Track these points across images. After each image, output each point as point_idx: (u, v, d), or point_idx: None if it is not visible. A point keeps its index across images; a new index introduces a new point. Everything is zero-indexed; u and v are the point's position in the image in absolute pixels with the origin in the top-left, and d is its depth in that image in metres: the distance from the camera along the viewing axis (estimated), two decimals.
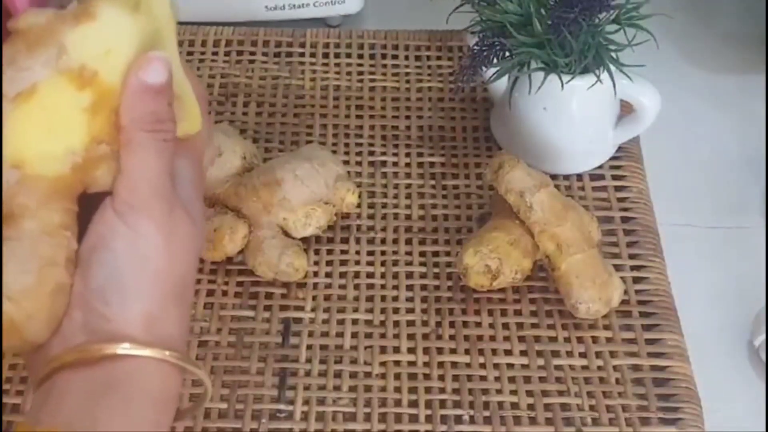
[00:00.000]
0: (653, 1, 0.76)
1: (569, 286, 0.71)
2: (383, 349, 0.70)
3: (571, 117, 0.78)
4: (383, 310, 0.73)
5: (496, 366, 0.69)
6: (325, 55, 0.91)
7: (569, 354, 0.70)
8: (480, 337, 0.71)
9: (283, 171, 0.74)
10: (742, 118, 0.97)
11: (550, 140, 0.79)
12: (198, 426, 0.66)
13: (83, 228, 0.47)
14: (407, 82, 0.89)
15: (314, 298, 0.73)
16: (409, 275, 0.75)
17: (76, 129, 0.47)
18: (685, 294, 0.75)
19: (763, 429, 0.75)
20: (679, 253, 0.80)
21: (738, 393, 0.77)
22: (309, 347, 0.70)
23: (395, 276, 0.75)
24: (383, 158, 0.83)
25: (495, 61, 0.75)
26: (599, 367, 0.70)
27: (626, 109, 0.81)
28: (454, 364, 0.70)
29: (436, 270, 0.75)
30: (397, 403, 0.67)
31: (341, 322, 0.72)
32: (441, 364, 0.69)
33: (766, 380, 0.78)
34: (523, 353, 0.70)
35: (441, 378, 0.69)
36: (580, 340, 0.71)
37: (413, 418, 0.67)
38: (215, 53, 0.91)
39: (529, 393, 0.68)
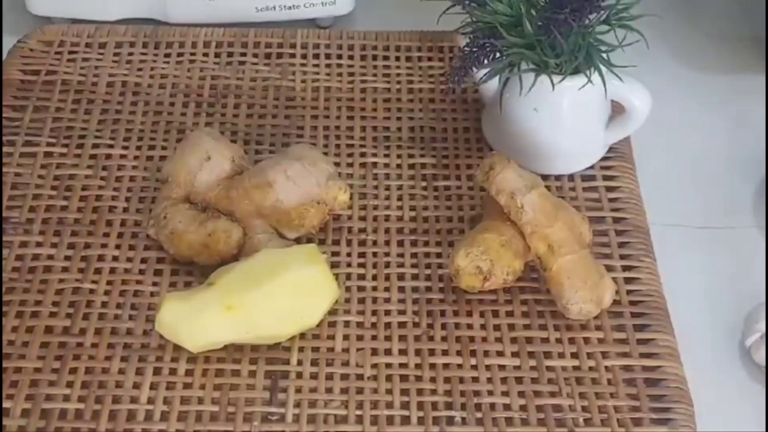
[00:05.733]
0: (643, 1, 0.76)
1: (561, 286, 0.71)
2: (374, 351, 0.70)
3: (562, 118, 0.78)
4: (374, 312, 0.72)
5: (487, 367, 0.69)
6: (316, 56, 0.91)
7: (561, 355, 0.70)
8: (471, 339, 0.71)
9: (274, 172, 0.74)
10: (733, 118, 0.98)
11: (541, 141, 0.79)
12: (189, 428, 0.66)
13: None
14: (398, 83, 0.89)
15: None
16: (401, 277, 0.75)
17: None
18: (677, 294, 0.75)
19: (755, 429, 0.75)
20: (670, 254, 0.80)
21: (729, 393, 0.77)
22: (300, 350, 0.70)
23: (387, 278, 0.74)
24: (374, 159, 0.83)
25: (486, 62, 0.75)
26: (591, 368, 0.70)
27: (617, 110, 0.81)
28: (446, 366, 0.69)
29: (427, 271, 0.75)
30: (389, 405, 0.67)
31: (333, 324, 0.71)
32: (432, 366, 0.69)
33: (766, 382, 0.78)
34: (515, 354, 0.70)
35: (433, 380, 0.69)
36: (571, 340, 0.71)
37: (405, 420, 0.67)
38: (206, 54, 0.91)
39: (521, 394, 0.68)
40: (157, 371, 0.69)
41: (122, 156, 0.82)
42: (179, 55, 0.91)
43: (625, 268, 0.76)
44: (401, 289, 0.74)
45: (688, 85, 1.01)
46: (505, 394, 0.68)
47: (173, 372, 0.69)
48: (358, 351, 0.70)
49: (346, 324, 0.72)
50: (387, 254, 0.76)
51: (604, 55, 0.76)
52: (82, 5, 0.99)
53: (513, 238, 0.72)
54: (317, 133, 0.85)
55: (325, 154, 0.81)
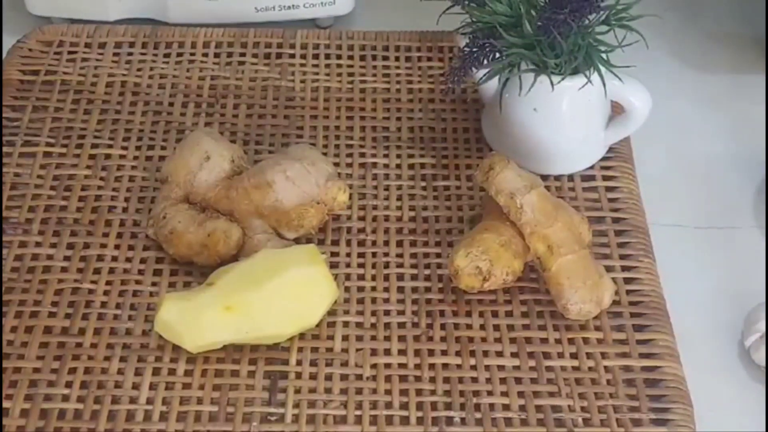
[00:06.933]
0: (643, 1, 0.76)
1: (560, 287, 0.71)
2: (374, 352, 0.70)
3: (562, 118, 0.78)
4: (374, 312, 0.72)
5: (487, 368, 0.69)
6: (315, 57, 0.91)
7: (560, 355, 0.70)
8: (471, 339, 0.71)
9: (274, 172, 0.74)
10: (733, 118, 0.97)
11: (541, 141, 0.79)
12: (188, 428, 0.66)
13: None
14: (397, 83, 0.89)
15: None
16: (400, 277, 0.75)
17: None
18: (676, 294, 0.75)
19: (755, 429, 0.75)
20: (669, 254, 0.80)
21: (729, 393, 0.77)
22: (300, 350, 0.70)
23: (386, 278, 0.74)
24: (373, 160, 0.83)
25: (485, 62, 0.75)
26: (590, 368, 0.70)
27: (617, 110, 0.81)
28: (445, 366, 0.69)
29: (426, 272, 0.75)
30: (388, 405, 0.67)
31: (332, 324, 0.71)
32: (432, 366, 0.69)
33: (766, 382, 0.78)
34: (514, 355, 0.70)
35: (432, 380, 0.69)
36: (571, 341, 0.71)
37: (404, 421, 0.67)
38: (205, 54, 0.91)
39: (521, 394, 0.68)
40: (156, 371, 0.69)
41: (122, 156, 0.82)
42: (179, 55, 0.91)
43: (625, 269, 0.76)
44: (401, 290, 0.74)
45: (687, 84, 1.01)
46: (505, 394, 0.68)
47: (172, 372, 0.69)
48: (357, 351, 0.70)
49: (346, 324, 0.72)
50: (386, 254, 0.76)
51: (604, 56, 0.76)
52: (82, 5, 0.99)
53: (513, 238, 0.72)
54: (317, 133, 0.85)
55: (325, 154, 0.81)
